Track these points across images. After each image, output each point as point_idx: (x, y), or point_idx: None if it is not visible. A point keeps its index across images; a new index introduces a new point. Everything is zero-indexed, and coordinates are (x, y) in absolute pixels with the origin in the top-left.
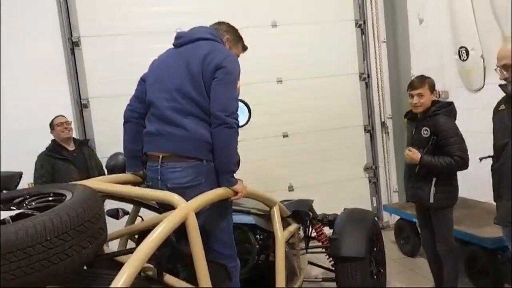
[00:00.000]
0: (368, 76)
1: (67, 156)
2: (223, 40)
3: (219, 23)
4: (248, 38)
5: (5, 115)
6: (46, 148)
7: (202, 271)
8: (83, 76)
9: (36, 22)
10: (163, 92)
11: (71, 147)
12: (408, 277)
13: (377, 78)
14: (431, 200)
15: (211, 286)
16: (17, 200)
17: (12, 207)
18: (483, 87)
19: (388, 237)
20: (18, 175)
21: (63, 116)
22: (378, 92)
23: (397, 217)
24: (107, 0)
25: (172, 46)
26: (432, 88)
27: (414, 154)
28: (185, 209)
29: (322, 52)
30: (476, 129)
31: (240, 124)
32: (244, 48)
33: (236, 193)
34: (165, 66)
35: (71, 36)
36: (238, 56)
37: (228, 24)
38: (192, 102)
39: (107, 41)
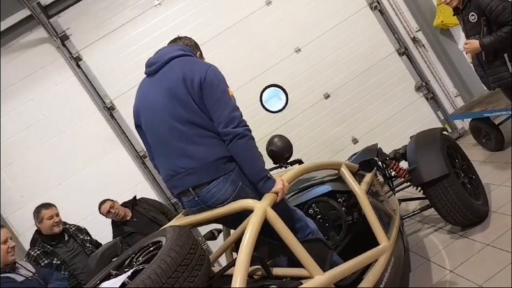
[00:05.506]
0: (379, 3)
1: (129, 229)
2: (193, 52)
3: (179, 39)
4: None
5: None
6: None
7: (301, 253)
8: (130, 133)
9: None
10: (161, 127)
11: (128, 215)
12: (505, 171)
13: None
14: None
15: (314, 262)
16: (127, 262)
17: (125, 269)
18: None
19: (470, 142)
20: (119, 241)
21: (107, 200)
22: (395, 12)
23: (469, 120)
24: (118, 58)
25: (145, 75)
26: None
27: (472, 44)
28: (261, 207)
29: (327, 8)
30: None
31: (280, 107)
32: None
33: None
34: (150, 102)
35: (105, 104)
36: None
37: (186, 37)
38: (191, 124)
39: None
